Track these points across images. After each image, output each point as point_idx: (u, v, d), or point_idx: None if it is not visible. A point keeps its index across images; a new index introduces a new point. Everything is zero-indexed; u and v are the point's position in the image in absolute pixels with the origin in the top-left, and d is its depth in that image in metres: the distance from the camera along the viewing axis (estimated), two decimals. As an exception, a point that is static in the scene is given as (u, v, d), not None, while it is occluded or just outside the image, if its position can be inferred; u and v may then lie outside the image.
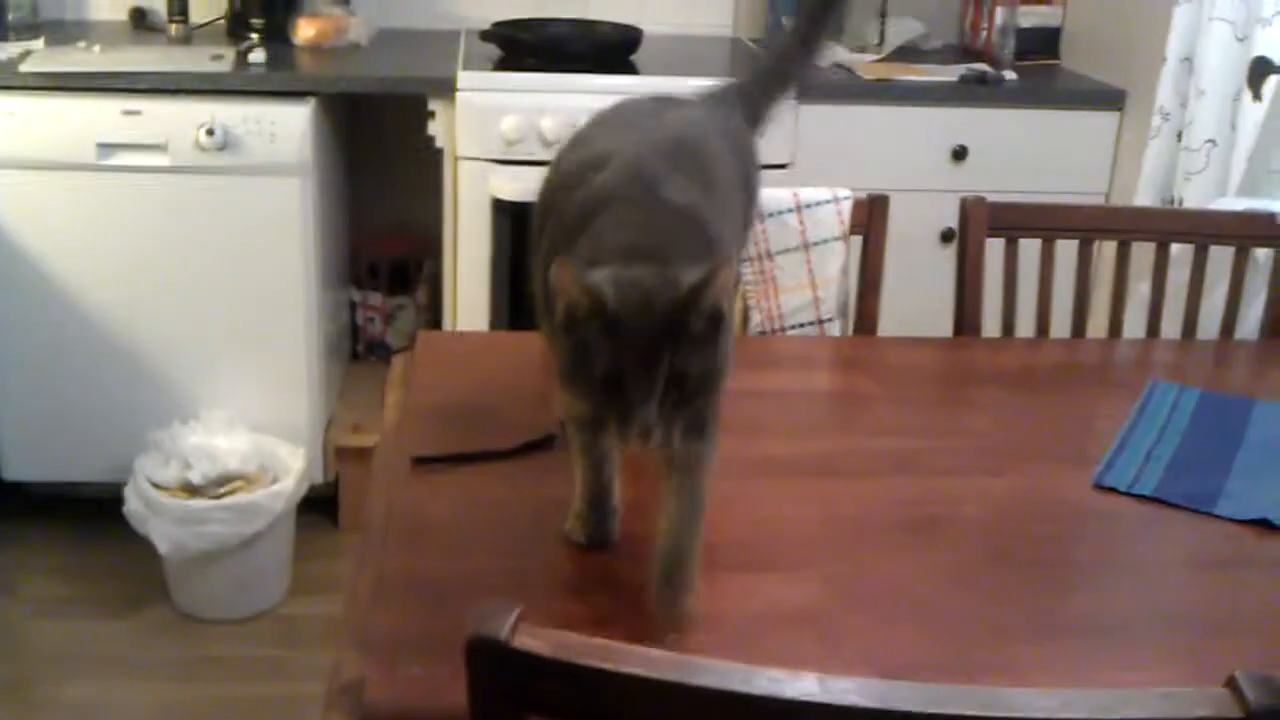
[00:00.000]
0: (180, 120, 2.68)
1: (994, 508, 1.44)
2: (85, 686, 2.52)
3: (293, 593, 2.83)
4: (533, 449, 1.47)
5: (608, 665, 0.81)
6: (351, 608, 1.21)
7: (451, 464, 1.43)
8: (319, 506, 2.99)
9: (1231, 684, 0.87)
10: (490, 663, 0.83)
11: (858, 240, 2.09)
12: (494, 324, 2.89)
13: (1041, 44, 3.29)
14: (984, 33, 3.29)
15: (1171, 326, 2.13)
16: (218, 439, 2.76)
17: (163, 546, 2.62)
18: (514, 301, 2.88)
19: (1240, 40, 2.32)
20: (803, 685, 0.82)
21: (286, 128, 2.70)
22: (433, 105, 2.81)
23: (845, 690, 0.81)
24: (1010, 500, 1.46)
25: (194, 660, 2.62)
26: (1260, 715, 0.84)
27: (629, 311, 1.08)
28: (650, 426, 1.08)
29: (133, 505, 2.67)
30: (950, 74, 3.02)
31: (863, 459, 1.53)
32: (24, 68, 2.70)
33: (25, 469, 2.94)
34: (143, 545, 2.66)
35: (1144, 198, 2.57)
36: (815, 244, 2.08)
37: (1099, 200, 3.00)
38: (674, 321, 1.08)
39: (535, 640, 0.82)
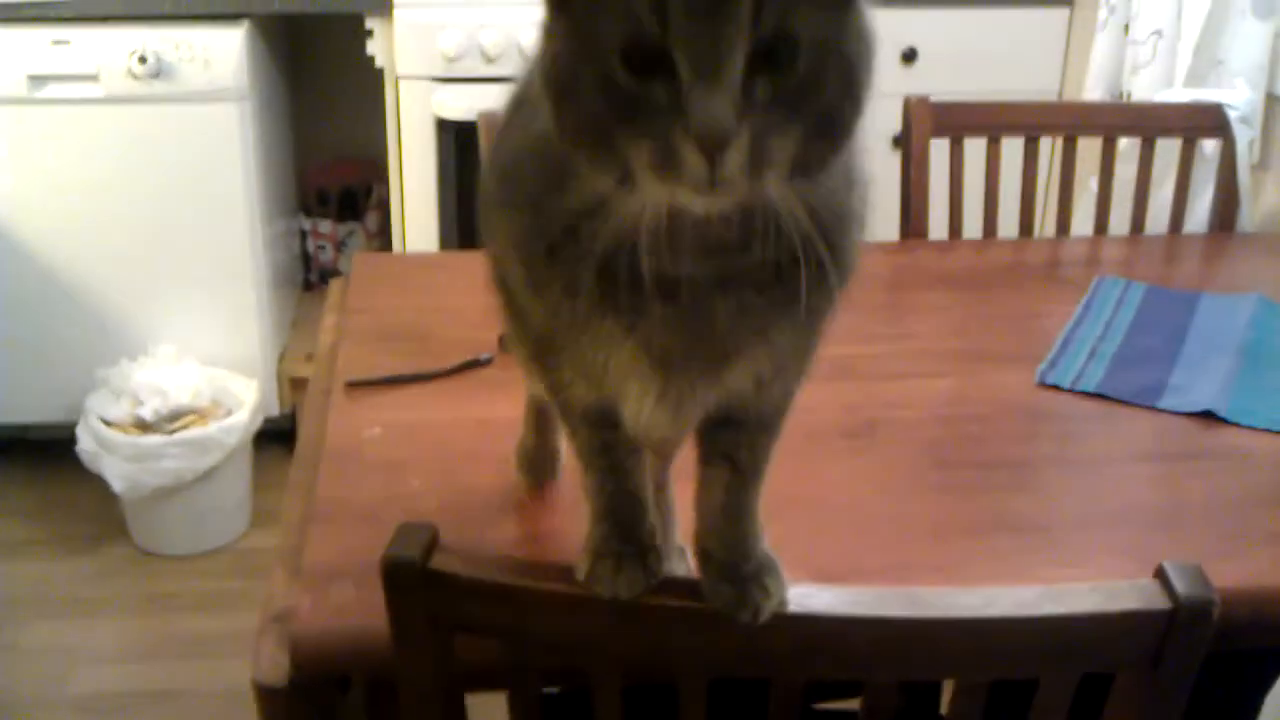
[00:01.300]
0: (111, 49, 2.61)
1: (935, 410, 1.43)
2: (46, 628, 2.51)
3: (253, 525, 2.82)
4: (469, 368, 1.45)
5: (524, 582, 0.80)
6: (285, 535, 1.19)
7: (386, 386, 1.41)
8: (276, 439, 2.97)
9: (1160, 575, 0.86)
10: (406, 584, 0.82)
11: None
12: (443, 245, 2.86)
13: (990, -59, 3.23)
14: (932, -69, 3.23)
15: (1121, 222, 2.12)
16: (168, 374, 2.73)
17: (117, 485, 2.60)
18: (462, 221, 2.84)
19: (1184, -72, 2.29)
20: (723, 593, 0.81)
21: (221, 53, 2.64)
22: (370, 24, 2.74)
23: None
24: (952, 402, 1.45)
25: (155, 596, 2.61)
26: (1188, 605, 0.84)
27: None
28: (724, 127, 0.63)
29: (85, 444, 2.64)
30: (898, -25, 2.97)
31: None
32: (-55, 0, 2.63)
33: (-27, 413, 2.91)
34: (99, 484, 2.63)
35: (1093, 92, 2.55)
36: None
37: (1051, 97, 2.97)
38: None
39: (450, 560, 0.81)
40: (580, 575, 0.86)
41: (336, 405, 1.39)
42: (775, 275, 0.76)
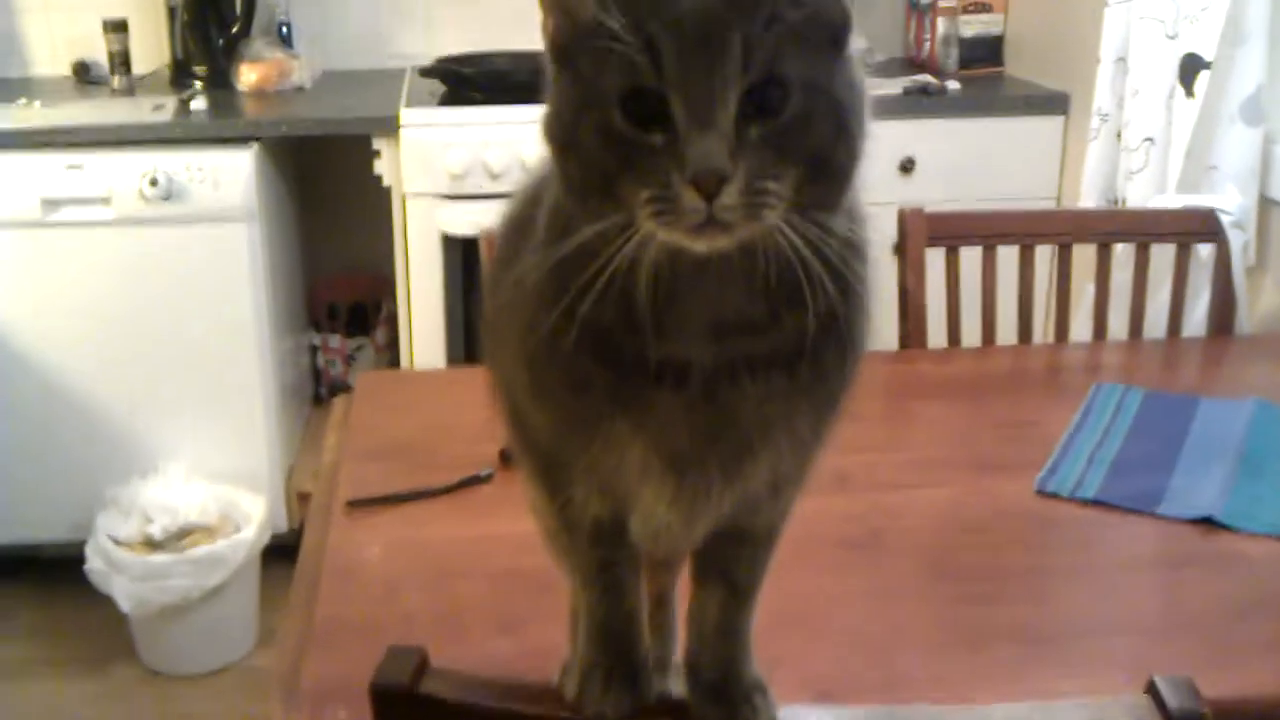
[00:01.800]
0: (123, 172, 2.66)
1: (934, 520, 1.43)
2: (52, 749, 2.50)
3: (261, 643, 2.80)
4: (469, 485, 1.46)
5: (513, 706, 0.80)
6: (281, 658, 1.19)
7: (386, 504, 1.42)
8: (285, 554, 2.95)
9: (1151, 689, 0.86)
10: (395, 709, 0.82)
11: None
12: (450, 361, 2.88)
13: (985, 52, 3.30)
14: (927, 44, 3.30)
15: (1119, 327, 2.13)
16: (177, 491, 2.74)
17: (125, 604, 2.59)
18: (469, 336, 2.87)
19: (1171, 38, 2.33)
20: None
21: (230, 174, 2.69)
22: (377, 144, 2.80)
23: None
24: (951, 512, 1.45)
25: (163, 717, 2.59)
26: None
27: None
28: (718, 166, 0.66)
29: (94, 563, 2.64)
30: (895, 87, 3.02)
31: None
32: (-37, 128, 2.69)
33: (-15, 532, 2.91)
34: (107, 603, 2.63)
35: (1088, 199, 2.58)
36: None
37: (1049, 204, 3.00)
38: None
39: (439, 683, 0.81)
40: (568, 694, 0.84)
41: (336, 524, 1.40)
42: (799, 350, 0.76)
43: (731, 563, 0.88)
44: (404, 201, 2.81)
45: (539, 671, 1.12)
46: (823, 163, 0.70)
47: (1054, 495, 1.48)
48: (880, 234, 2.42)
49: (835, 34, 0.72)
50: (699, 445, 0.78)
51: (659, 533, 0.83)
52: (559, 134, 0.72)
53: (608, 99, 0.69)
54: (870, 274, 0.80)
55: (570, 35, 0.71)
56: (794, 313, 0.75)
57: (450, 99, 2.94)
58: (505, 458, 1.46)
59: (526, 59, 3.39)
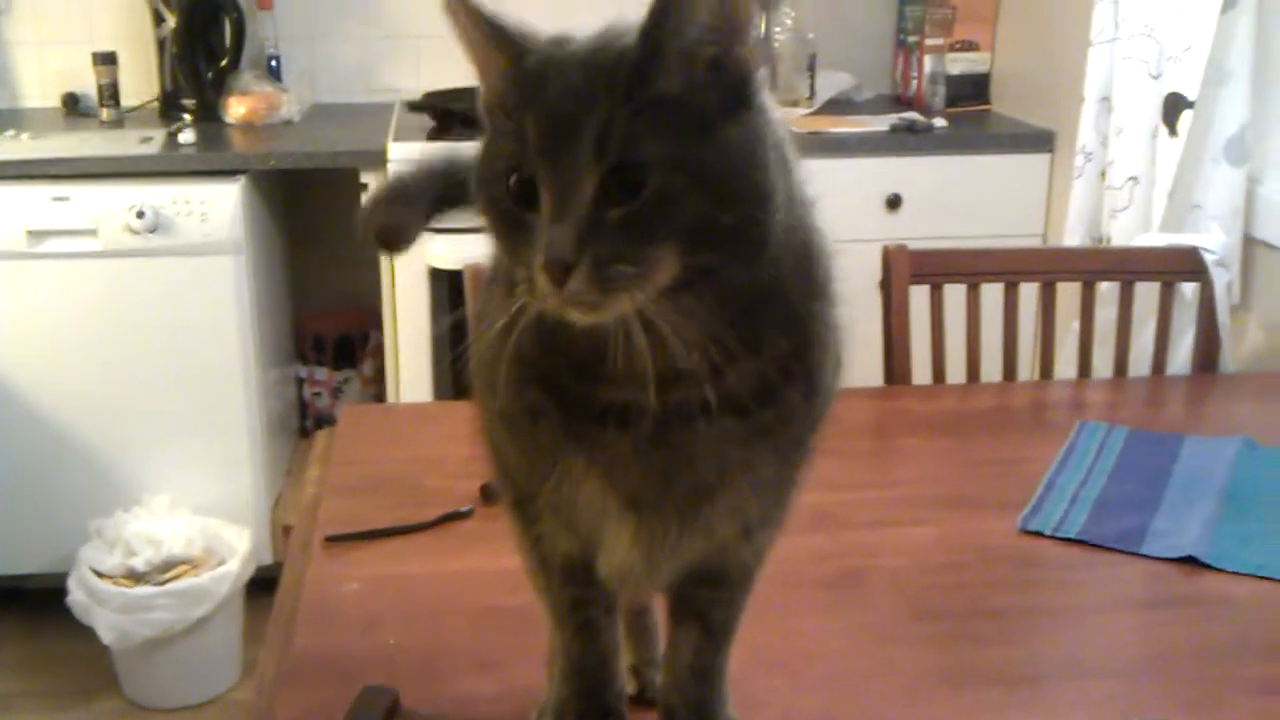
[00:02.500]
0: (110, 204, 2.66)
1: (914, 559, 1.42)
2: (31, 785, 2.47)
3: (245, 676, 2.79)
4: (449, 520, 1.45)
5: (484, 747, 0.80)
6: (256, 695, 1.18)
7: (365, 540, 1.41)
8: (269, 587, 2.93)
9: (1127, 732, 0.85)
10: (366, 750, 0.81)
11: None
12: (437, 394, 2.88)
13: (972, 90, 3.32)
14: (914, 82, 3.32)
15: (1104, 365, 2.13)
16: (161, 524, 2.72)
17: (106, 636, 2.58)
18: (456, 370, 2.86)
19: (1154, 78, 2.34)
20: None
21: (217, 207, 2.69)
22: (365, 177, 2.81)
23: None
24: (932, 550, 1.45)
25: (144, 752, 2.58)
26: (1155, 763, 0.83)
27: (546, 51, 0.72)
28: (563, 258, 0.68)
29: (76, 595, 2.63)
30: (882, 124, 3.04)
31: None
32: (-51, 160, 2.69)
33: (-34, 564, 2.89)
34: (92, 636, 2.61)
35: (1073, 237, 2.59)
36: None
37: (1035, 241, 3.01)
38: (618, 57, 0.69)
39: (410, 725, 0.81)
40: None
41: (315, 560, 1.39)
42: (755, 394, 0.75)
43: (706, 604, 0.88)
44: (391, 235, 2.80)
45: (517, 712, 1.11)
46: (706, 231, 0.69)
47: (1037, 534, 1.48)
48: (862, 269, 2.40)
49: (735, 90, 0.70)
50: (653, 487, 0.78)
51: (624, 573, 0.83)
52: (475, 189, 0.74)
53: (500, 174, 0.71)
54: (836, 313, 0.79)
55: (486, 103, 0.74)
56: (733, 365, 0.74)
57: (438, 133, 2.95)
58: (486, 494, 1.46)
59: (515, 94, 3.40)
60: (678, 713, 0.87)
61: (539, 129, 0.68)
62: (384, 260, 2.85)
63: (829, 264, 0.79)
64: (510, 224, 0.71)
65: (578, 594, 0.87)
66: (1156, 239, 2.28)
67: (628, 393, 0.74)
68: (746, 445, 0.77)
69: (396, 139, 2.84)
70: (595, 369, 0.74)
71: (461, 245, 2.72)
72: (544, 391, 0.77)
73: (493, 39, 0.73)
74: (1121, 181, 2.42)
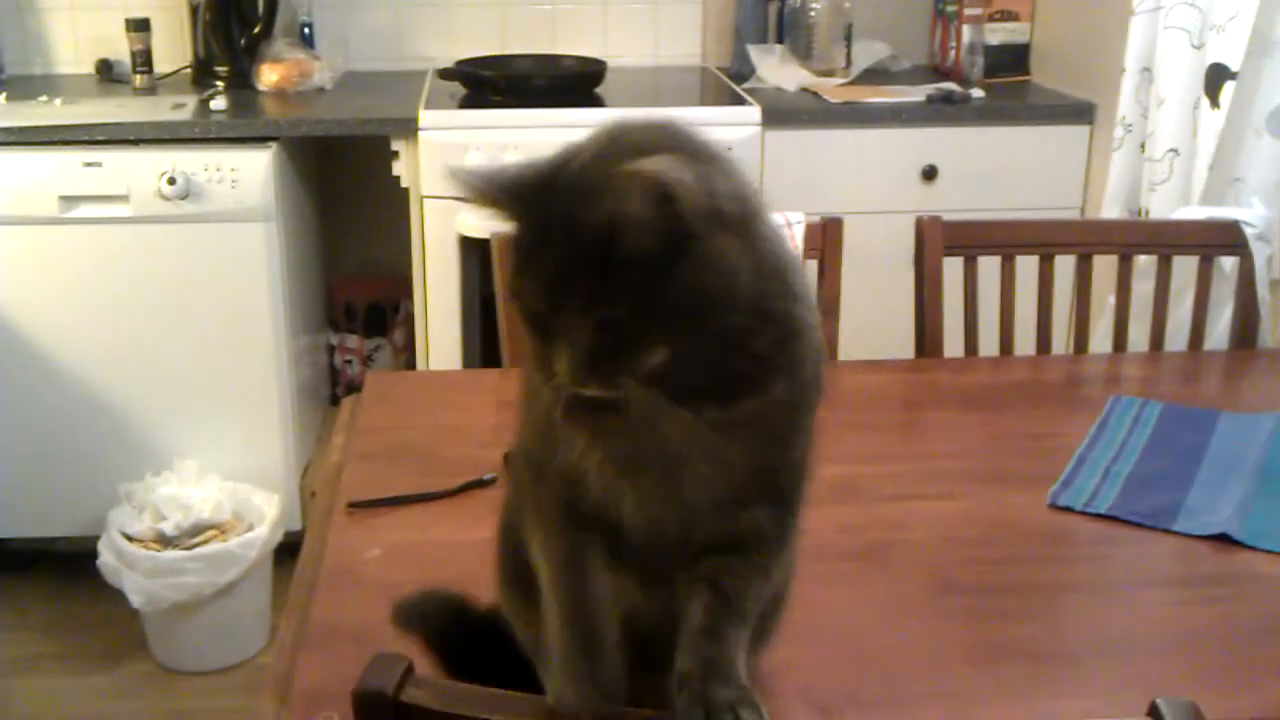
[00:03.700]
0: (141, 170, 2.66)
1: (943, 533, 1.40)
2: (62, 745, 2.49)
3: (273, 641, 2.80)
4: (471, 488, 1.44)
5: (495, 716, 0.79)
6: (276, 660, 1.18)
7: (388, 507, 1.41)
8: (298, 553, 2.95)
9: (1153, 712, 0.84)
10: (378, 716, 0.80)
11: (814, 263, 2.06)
12: (466, 362, 2.87)
13: (1011, 60, 3.27)
14: (953, 52, 3.27)
15: (1140, 339, 2.10)
16: (190, 489, 2.74)
17: (136, 599, 2.59)
18: (485, 339, 2.86)
19: (1196, 48, 2.29)
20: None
21: (248, 174, 2.69)
22: (396, 145, 2.79)
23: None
24: (961, 524, 1.43)
25: (173, 714, 2.59)
26: (1181, 743, 0.81)
27: (519, 191, 0.85)
28: (577, 379, 0.83)
29: (105, 558, 2.64)
30: (918, 94, 3.00)
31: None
32: (-17, 123, 2.69)
33: (-1, 526, 2.92)
34: (120, 599, 2.63)
35: (1111, 210, 2.55)
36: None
37: (1073, 214, 2.97)
38: (580, 225, 0.80)
39: (421, 692, 0.80)
40: (549, 695, 0.87)
41: (337, 526, 1.38)
42: (727, 390, 0.86)
43: (719, 571, 0.91)
44: (422, 203, 2.80)
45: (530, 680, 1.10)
46: (690, 333, 0.82)
47: (1067, 509, 1.46)
48: (897, 240, 2.37)
49: (683, 242, 0.79)
50: (641, 461, 0.89)
51: (627, 521, 0.91)
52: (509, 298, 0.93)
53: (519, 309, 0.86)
54: (808, 351, 0.90)
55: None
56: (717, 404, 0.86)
57: (470, 101, 2.93)
58: (509, 462, 1.45)
59: (546, 62, 3.41)
60: (689, 678, 0.86)
61: (529, 311, 0.83)
62: (415, 229, 2.84)
63: (798, 273, 0.91)
64: (534, 333, 0.85)
65: (574, 541, 0.93)
66: (1196, 212, 2.24)
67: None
68: (717, 429, 0.87)
69: (428, 107, 2.82)
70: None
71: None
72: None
73: (492, 208, 0.86)
74: (1161, 154, 2.38)
